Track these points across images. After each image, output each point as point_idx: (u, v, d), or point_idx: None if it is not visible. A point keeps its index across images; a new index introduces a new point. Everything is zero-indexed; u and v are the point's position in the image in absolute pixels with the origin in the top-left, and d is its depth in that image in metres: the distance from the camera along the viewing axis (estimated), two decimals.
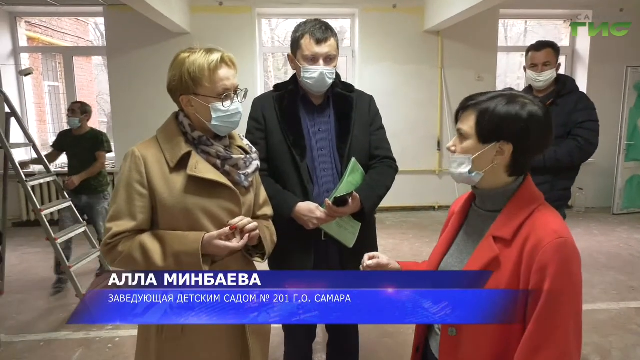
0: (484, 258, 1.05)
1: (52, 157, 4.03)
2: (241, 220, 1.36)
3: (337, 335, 2.04)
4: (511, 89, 1.21)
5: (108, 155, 4.12)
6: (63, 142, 4.01)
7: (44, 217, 3.17)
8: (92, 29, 10.61)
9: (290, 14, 6.25)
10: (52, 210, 3.36)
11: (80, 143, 3.92)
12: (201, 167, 1.34)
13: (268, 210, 1.61)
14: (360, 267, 1.34)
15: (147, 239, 1.30)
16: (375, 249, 1.94)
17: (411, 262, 1.42)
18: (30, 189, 3.24)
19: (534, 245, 0.97)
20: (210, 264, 1.34)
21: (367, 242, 1.86)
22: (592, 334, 2.98)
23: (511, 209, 1.06)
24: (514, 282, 0.99)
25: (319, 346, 2.21)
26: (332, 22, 1.81)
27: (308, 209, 1.67)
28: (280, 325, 1.97)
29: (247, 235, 1.36)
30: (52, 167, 3.86)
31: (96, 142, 3.94)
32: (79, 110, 3.93)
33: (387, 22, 6.01)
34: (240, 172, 1.41)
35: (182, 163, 1.33)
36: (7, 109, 3.55)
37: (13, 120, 3.60)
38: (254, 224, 1.39)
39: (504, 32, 11.05)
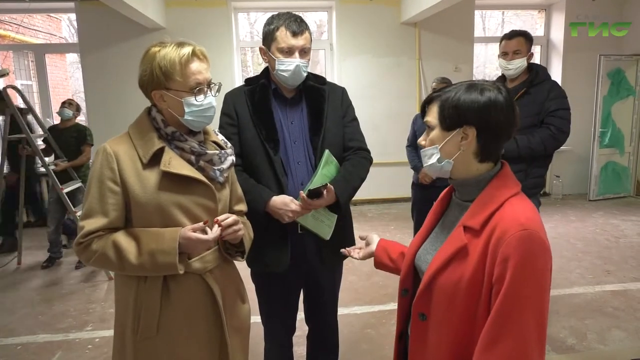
0: (452, 247, 1.06)
1: (46, 151, 4.47)
2: (226, 219, 1.36)
3: (317, 328, 2.04)
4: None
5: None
6: (50, 135, 4.33)
7: (64, 194, 4.05)
8: (65, 26, 10.38)
9: (266, 7, 6.20)
10: (69, 189, 4.17)
11: (64, 135, 4.38)
12: (175, 163, 1.31)
13: (243, 206, 1.60)
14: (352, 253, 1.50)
15: (121, 237, 1.27)
16: (352, 240, 1.95)
17: (393, 242, 1.47)
18: (52, 173, 4.06)
19: (499, 236, 0.97)
20: (185, 264, 1.32)
21: (344, 233, 1.86)
22: (569, 318, 3.06)
23: (483, 198, 1.07)
24: (479, 272, 1.00)
25: (300, 339, 2.21)
26: (309, 15, 1.80)
27: (283, 202, 1.66)
28: (260, 320, 1.97)
29: (220, 228, 1.34)
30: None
31: (81, 136, 4.43)
32: (75, 105, 4.51)
33: (364, 14, 6.02)
34: (215, 168, 1.40)
35: (155, 159, 1.31)
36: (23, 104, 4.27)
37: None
38: (234, 217, 1.38)
39: (482, 23, 11.17)
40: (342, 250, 1.53)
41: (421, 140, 1.15)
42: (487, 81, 1.10)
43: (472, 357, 0.99)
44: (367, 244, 1.50)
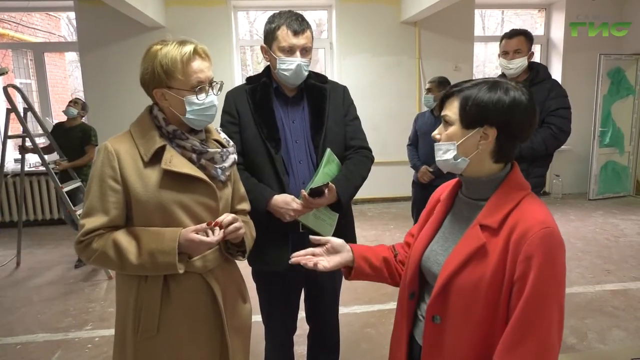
0: (470, 246, 1.04)
1: (49, 148, 4.47)
2: (225, 218, 1.35)
3: (317, 327, 2.04)
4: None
5: None
6: (55, 133, 4.39)
7: (64, 192, 4.02)
8: (64, 24, 10.36)
9: (266, 5, 6.19)
10: (69, 188, 4.14)
11: (69, 134, 4.36)
12: (176, 161, 1.31)
13: (246, 205, 1.59)
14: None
15: (122, 237, 1.27)
16: (354, 239, 1.94)
17: (364, 245, 1.35)
18: (52, 172, 4.05)
19: (521, 234, 0.97)
20: (186, 263, 1.31)
21: (346, 232, 1.85)
22: (570, 317, 3.05)
23: (498, 197, 1.06)
24: (499, 271, 0.99)
25: (300, 339, 2.21)
26: (309, 14, 1.79)
27: (284, 201, 1.66)
28: (261, 319, 1.97)
29: (223, 230, 1.33)
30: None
31: (85, 136, 4.39)
32: (81, 104, 4.47)
33: (364, 13, 6.01)
34: (217, 166, 1.39)
35: (156, 157, 1.30)
36: (24, 105, 4.23)
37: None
38: (233, 216, 1.37)
39: (481, 23, 11.16)
40: (297, 259, 1.26)
41: (436, 134, 1.13)
42: (508, 81, 1.09)
43: (493, 356, 0.98)
44: (334, 251, 1.29)
